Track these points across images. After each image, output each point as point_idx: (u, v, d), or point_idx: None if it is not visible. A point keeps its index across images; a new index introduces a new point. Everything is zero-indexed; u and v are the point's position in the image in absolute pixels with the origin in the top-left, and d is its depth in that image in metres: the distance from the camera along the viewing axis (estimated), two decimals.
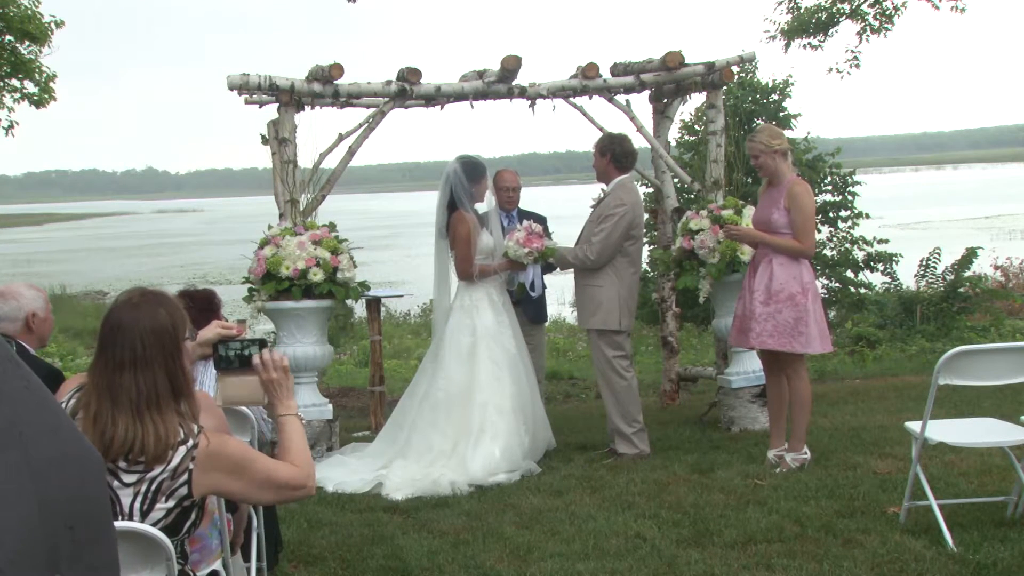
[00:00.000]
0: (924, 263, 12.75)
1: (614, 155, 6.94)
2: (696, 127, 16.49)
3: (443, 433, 6.70)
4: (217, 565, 3.42)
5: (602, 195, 7.01)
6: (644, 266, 8.09)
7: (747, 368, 7.49)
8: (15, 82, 13.80)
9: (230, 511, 3.77)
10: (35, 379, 0.90)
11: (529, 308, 7.65)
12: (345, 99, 7.59)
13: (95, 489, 0.93)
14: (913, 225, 37.01)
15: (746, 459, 6.52)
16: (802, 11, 14.11)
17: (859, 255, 16.52)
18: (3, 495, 0.80)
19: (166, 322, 2.79)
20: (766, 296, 6.18)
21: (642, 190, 9.55)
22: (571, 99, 7.82)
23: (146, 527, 2.67)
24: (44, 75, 13.80)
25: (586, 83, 7.71)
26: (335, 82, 7.33)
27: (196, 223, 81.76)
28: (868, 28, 13.92)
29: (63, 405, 2.72)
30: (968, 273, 12.40)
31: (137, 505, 2.70)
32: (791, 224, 6.18)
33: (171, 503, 2.72)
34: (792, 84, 17.04)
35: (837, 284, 16.58)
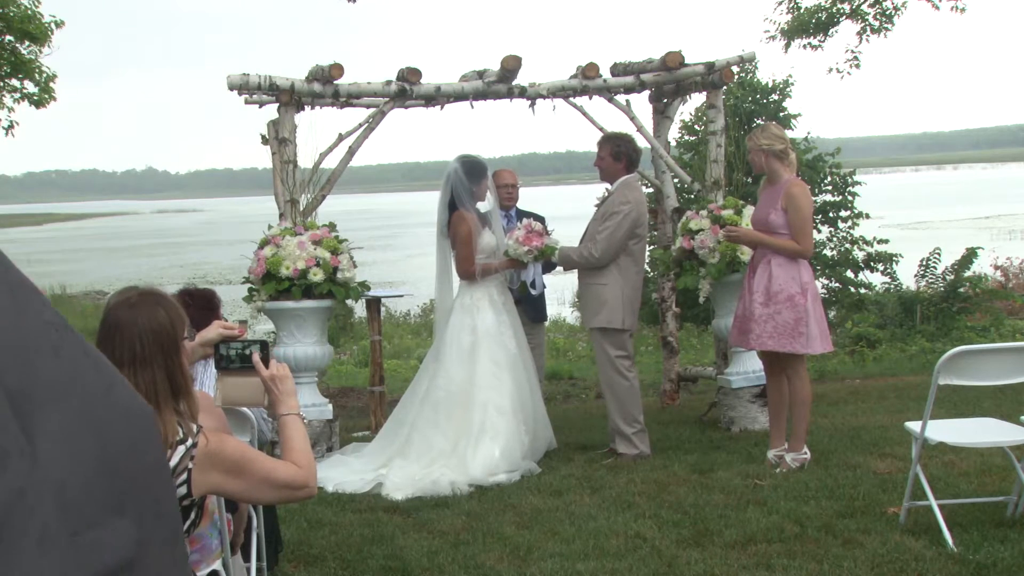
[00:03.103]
0: (924, 263, 12.74)
1: (629, 159, 6.98)
2: (696, 127, 16.48)
3: (444, 433, 6.70)
4: (217, 565, 3.42)
5: (606, 194, 7.02)
6: (644, 266, 8.10)
7: (747, 368, 7.49)
8: (15, 82, 13.81)
9: (230, 511, 3.77)
10: (91, 346, 0.96)
11: (529, 307, 7.65)
12: (345, 99, 7.59)
13: (153, 442, 0.99)
14: (913, 225, 37.00)
15: (746, 459, 6.52)
16: (802, 11, 14.10)
17: (859, 255, 16.51)
18: (65, 440, 0.86)
19: (164, 321, 2.78)
20: (765, 297, 6.18)
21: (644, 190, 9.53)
22: (571, 99, 7.83)
23: None
24: (44, 75, 13.81)
25: (586, 83, 7.71)
26: (335, 82, 7.32)
27: (196, 223, 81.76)
28: (868, 28, 13.91)
29: None
30: (968, 273, 12.38)
31: None
32: (788, 225, 6.18)
33: None
34: (792, 84, 17.04)
35: (837, 284, 16.57)
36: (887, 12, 13.74)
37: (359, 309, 14.01)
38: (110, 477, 0.89)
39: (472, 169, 6.97)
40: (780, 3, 14.35)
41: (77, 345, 0.94)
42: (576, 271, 7.30)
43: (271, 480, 2.81)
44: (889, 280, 14.48)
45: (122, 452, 0.92)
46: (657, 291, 9.07)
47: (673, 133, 12.30)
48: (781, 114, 16.75)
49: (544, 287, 7.91)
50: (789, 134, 14.56)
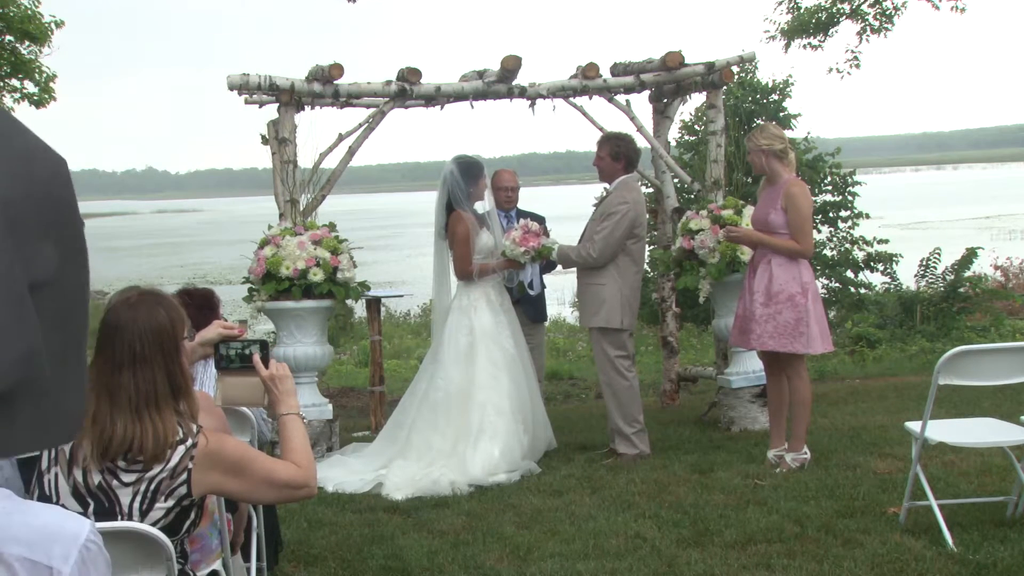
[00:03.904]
0: (924, 263, 12.75)
1: (628, 159, 6.97)
2: (696, 127, 16.48)
3: (442, 434, 6.70)
4: (217, 565, 3.42)
5: (605, 193, 7.02)
6: (644, 266, 8.12)
7: (747, 368, 7.49)
8: (15, 82, 13.82)
9: (230, 511, 3.77)
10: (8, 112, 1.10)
11: (529, 308, 7.65)
12: (345, 99, 7.59)
13: (68, 182, 1.11)
14: (913, 225, 36.97)
15: (746, 459, 6.52)
16: (802, 11, 14.11)
17: (859, 255, 16.51)
18: (3, 167, 1.00)
19: (165, 321, 2.78)
20: (766, 297, 6.18)
21: (642, 190, 9.55)
22: (571, 99, 7.83)
23: (146, 527, 2.67)
24: (44, 75, 13.82)
25: (586, 83, 7.71)
26: (335, 82, 7.33)
27: (196, 223, 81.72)
28: (868, 28, 13.92)
29: None
30: (968, 273, 12.39)
31: (136, 505, 2.70)
32: (788, 225, 6.18)
33: (170, 503, 2.72)
34: (792, 84, 17.03)
35: (837, 284, 16.56)
36: (887, 12, 13.74)
37: (359, 309, 14.01)
38: (40, 204, 1.03)
39: (468, 170, 6.97)
40: (780, 3, 14.36)
41: None
42: (575, 271, 7.30)
43: (271, 480, 2.81)
44: (889, 280, 14.49)
45: (46, 184, 1.05)
46: (657, 291, 9.07)
47: (673, 133, 12.30)
48: (781, 114, 16.74)
49: (543, 287, 7.91)
50: (789, 134, 14.57)
